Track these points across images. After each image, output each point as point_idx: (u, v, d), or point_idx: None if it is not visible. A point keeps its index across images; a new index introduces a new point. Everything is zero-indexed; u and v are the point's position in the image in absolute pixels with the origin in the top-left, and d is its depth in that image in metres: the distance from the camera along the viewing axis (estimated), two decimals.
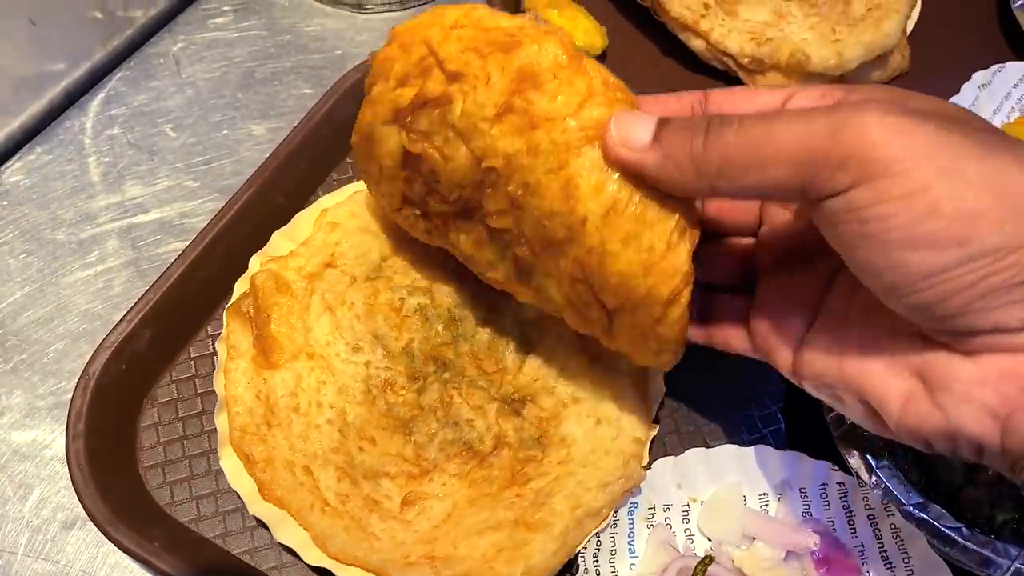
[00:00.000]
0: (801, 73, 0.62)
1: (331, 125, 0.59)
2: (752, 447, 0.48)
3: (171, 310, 0.52)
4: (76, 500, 0.46)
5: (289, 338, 0.49)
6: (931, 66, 0.65)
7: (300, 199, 0.58)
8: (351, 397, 0.49)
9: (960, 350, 0.32)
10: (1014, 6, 0.68)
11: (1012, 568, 0.43)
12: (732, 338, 0.43)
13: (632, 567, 0.46)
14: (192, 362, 0.53)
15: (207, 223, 0.53)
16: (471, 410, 0.49)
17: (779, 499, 0.48)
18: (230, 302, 0.50)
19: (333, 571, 0.45)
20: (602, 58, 0.65)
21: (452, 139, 0.39)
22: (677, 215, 0.36)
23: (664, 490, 0.48)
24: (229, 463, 0.47)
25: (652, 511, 0.48)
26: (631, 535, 0.47)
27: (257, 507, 0.46)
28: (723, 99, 0.39)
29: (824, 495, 0.47)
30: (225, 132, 0.64)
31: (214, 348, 0.53)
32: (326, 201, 0.54)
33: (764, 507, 0.48)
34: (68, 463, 0.47)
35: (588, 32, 0.64)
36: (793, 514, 0.47)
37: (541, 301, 0.44)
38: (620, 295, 0.38)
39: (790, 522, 0.47)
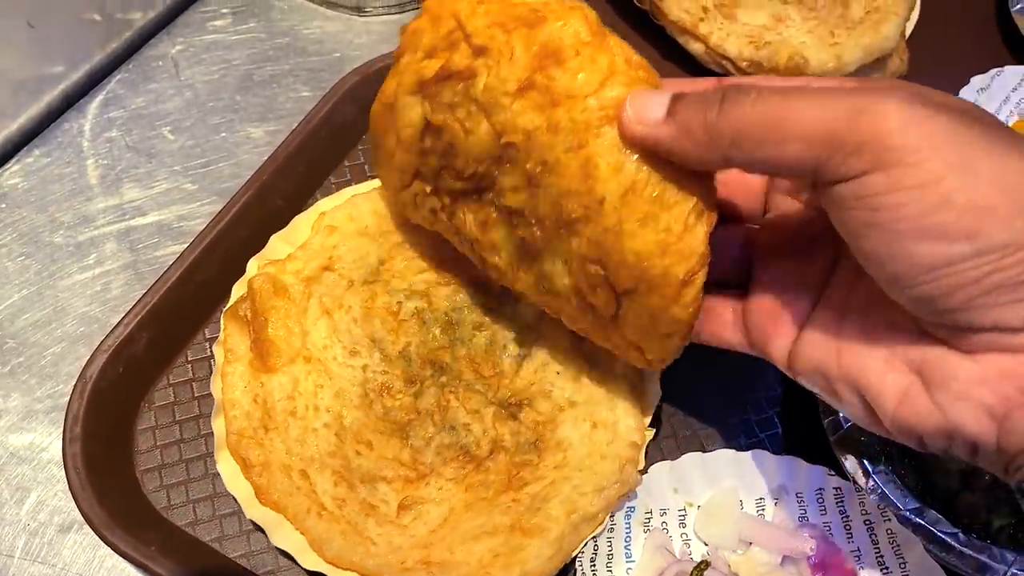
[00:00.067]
0: (799, 76, 0.62)
1: (329, 128, 0.59)
2: (749, 452, 0.48)
3: (168, 313, 0.52)
4: (73, 503, 0.46)
5: (286, 342, 0.49)
6: (929, 69, 0.65)
7: (298, 202, 0.58)
8: (348, 401, 0.49)
9: (959, 348, 0.32)
10: (1013, 9, 0.68)
11: (1008, 573, 0.43)
12: (725, 331, 0.42)
13: (629, 571, 0.46)
14: (189, 365, 0.53)
15: (205, 226, 0.53)
16: (468, 414, 0.49)
17: (776, 504, 0.48)
18: (227, 305, 0.50)
19: None
20: None
21: (474, 113, 0.39)
22: (695, 197, 0.36)
23: (661, 494, 0.48)
24: (226, 467, 0.47)
25: (649, 515, 0.48)
26: (627, 540, 0.47)
27: (254, 511, 0.46)
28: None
29: (821, 500, 0.47)
30: (223, 135, 0.64)
31: (211, 352, 0.53)
32: (324, 204, 0.54)
33: (761, 512, 0.48)
34: (65, 466, 0.47)
35: None
36: (790, 519, 0.47)
37: (541, 291, 0.43)
38: (635, 275, 0.37)
39: (786, 527, 0.47)
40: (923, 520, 0.45)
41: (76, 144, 0.63)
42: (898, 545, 0.45)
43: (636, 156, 0.35)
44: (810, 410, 0.49)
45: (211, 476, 0.50)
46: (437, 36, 0.39)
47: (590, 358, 0.50)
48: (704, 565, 0.46)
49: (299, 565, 0.45)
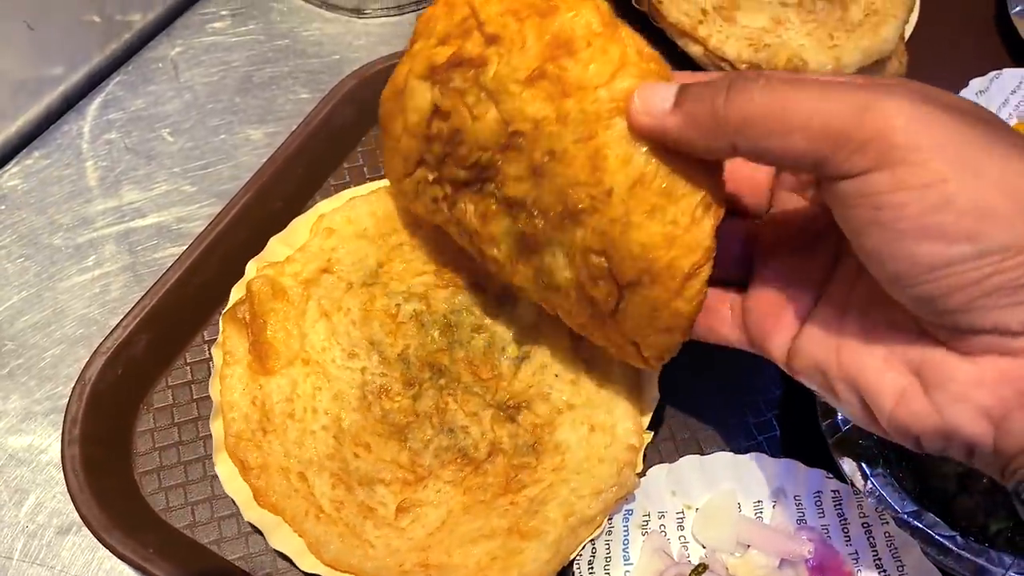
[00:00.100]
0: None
1: (329, 130, 0.59)
2: (747, 454, 0.48)
3: (167, 315, 0.52)
4: (72, 505, 0.46)
5: (285, 344, 0.49)
6: (928, 72, 0.65)
7: (297, 204, 0.58)
8: (346, 403, 0.49)
9: (958, 349, 0.32)
10: (1012, 12, 0.68)
11: None
12: (723, 327, 0.42)
13: (627, 574, 0.46)
14: (188, 367, 0.53)
15: (204, 228, 0.53)
16: (466, 416, 0.49)
17: (774, 507, 0.48)
18: (226, 308, 0.50)
19: None
20: None
21: (483, 99, 0.39)
22: (704, 191, 0.36)
23: (659, 497, 0.48)
24: (224, 469, 0.47)
25: (647, 518, 0.48)
26: (625, 542, 0.47)
27: (252, 513, 0.46)
28: None
29: (819, 503, 0.47)
30: (223, 137, 0.64)
31: (210, 354, 0.53)
32: (323, 207, 0.54)
33: (759, 515, 0.48)
34: (63, 469, 0.47)
35: None
36: (788, 522, 0.47)
37: (540, 285, 0.43)
38: (639, 267, 0.37)
39: (785, 530, 0.47)
40: (921, 523, 0.45)
41: (75, 146, 0.63)
42: (896, 548, 0.45)
43: (645, 148, 0.35)
44: (808, 413, 0.49)
45: (210, 478, 0.50)
46: (451, 23, 0.39)
47: (589, 361, 0.50)
48: (702, 568, 0.46)
49: (297, 567, 0.45)
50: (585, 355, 0.50)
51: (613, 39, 0.36)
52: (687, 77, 0.37)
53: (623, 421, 0.47)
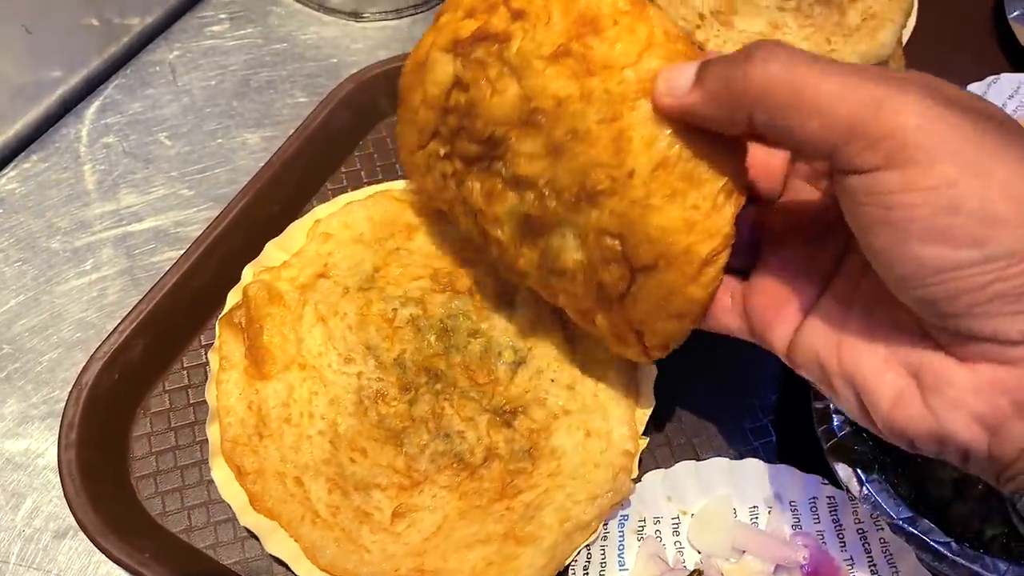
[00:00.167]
0: None
1: (326, 134, 0.59)
2: (743, 460, 0.48)
3: (164, 320, 0.52)
4: (68, 510, 0.46)
5: (281, 349, 0.49)
6: None
7: (294, 209, 0.58)
8: (343, 408, 0.49)
9: (957, 355, 0.32)
10: (1010, 17, 0.68)
11: None
12: (724, 315, 0.41)
13: None
14: (185, 372, 0.53)
15: (201, 232, 0.54)
16: (462, 421, 0.49)
17: (769, 512, 0.48)
18: (223, 312, 0.51)
19: None
20: None
21: (505, 74, 0.39)
22: (726, 177, 0.36)
23: (654, 503, 0.48)
24: (220, 474, 0.47)
25: (642, 524, 0.48)
26: (621, 548, 0.47)
27: (248, 518, 0.46)
28: None
29: (814, 509, 0.47)
30: (220, 140, 0.64)
31: (207, 358, 0.53)
32: (320, 211, 0.55)
33: (754, 520, 0.48)
34: (60, 473, 0.47)
35: None
36: (783, 527, 0.47)
37: (544, 269, 0.43)
38: (656, 250, 0.37)
39: (780, 535, 0.47)
40: (916, 529, 0.45)
41: (73, 149, 0.63)
42: (891, 554, 0.45)
43: (669, 131, 0.35)
44: (804, 418, 0.49)
45: (206, 483, 0.50)
46: None
47: (585, 366, 0.50)
48: (697, 574, 0.46)
49: (293, 572, 0.45)
50: (582, 361, 0.50)
51: (640, 18, 0.36)
52: (715, 56, 0.36)
53: (619, 426, 0.48)
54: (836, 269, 0.38)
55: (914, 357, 0.33)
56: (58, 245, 0.59)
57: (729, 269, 0.41)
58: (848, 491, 0.46)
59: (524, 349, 0.51)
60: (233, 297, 0.51)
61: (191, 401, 0.52)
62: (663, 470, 0.48)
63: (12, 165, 0.62)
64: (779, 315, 0.38)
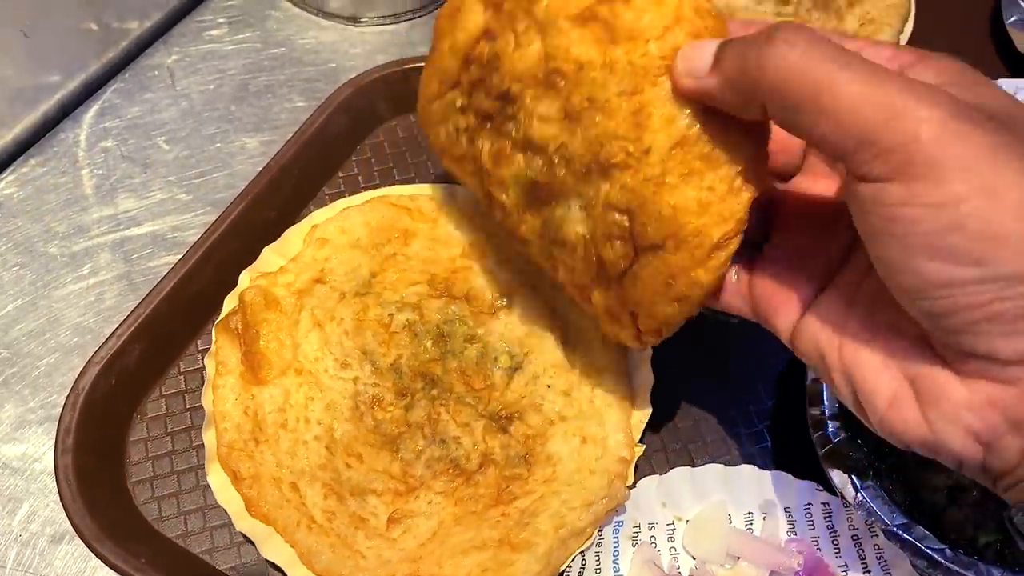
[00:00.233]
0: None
1: (324, 139, 0.59)
2: (738, 466, 0.48)
3: (161, 325, 0.52)
4: (65, 515, 0.46)
5: (277, 354, 0.49)
6: None
7: (292, 214, 0.58)
8: (339, 413, 0.49)
9: (954, 368, 0.32)
10: (1007, 22, 0.68)
11: None
12: (727, 295, 0.40)
13: None
14: (182, 377, 0.53)
15: (199, 237, 0.54)
16: (458, 427, 0.49)
17: (764, 518, 0.48)
18: (219, 318, 0.51)
19: None
20: None
21: (530, 28, 0.38)
22: (745, 163, 0.35)
23: (649, 508, 0.48)
24: (216, 479, 0.47)
25: (637, 530, 0.48)
26: (616, 554, 0.47)
27: (244, 523, 0.46)
28: None
29: (809, 515, 0.47)
30: (218, 145, 0.64)
31: (204, 363, 0.53)
32: (317, 216, 0.55)
33: (749, 526, 0.48)
34: (56, 478, 0.47)
35: None
36: (778, 534, 0.48)
37: (544, 239, 0.43)
38: (666, 230, 0.36)
39: (775, 542, 0.47)
40: (910, 536, 0.45)
41: (71, 154, 0.63)
42: (885, 560, 0.45)
43: (690, 110, 0.34)
44: (800, 424, 0.49)
45: (202, 488, 0.50)
46: None
47: (581, 373, 0.50)
48: None
49: None
50: (578, 367, 0.50)
51: None
52: (741, 29, 0.35)
53: (615, 433, 0.48)
54: (844, 261, 0.37)
55: (913, 364, 0.33)
56: (56, 249, 0.59)
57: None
58: (843, 497, 0.46)
59: (520, 355, 0.51)
60: (230, 302, 0.51)
61: (187, 406, 0.52)
62: (658, 476, 0.48)
63: (10, 169, 0.62)
64: (784, 301, 0.38)
